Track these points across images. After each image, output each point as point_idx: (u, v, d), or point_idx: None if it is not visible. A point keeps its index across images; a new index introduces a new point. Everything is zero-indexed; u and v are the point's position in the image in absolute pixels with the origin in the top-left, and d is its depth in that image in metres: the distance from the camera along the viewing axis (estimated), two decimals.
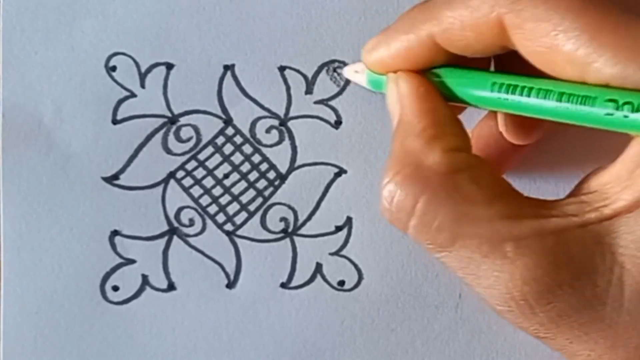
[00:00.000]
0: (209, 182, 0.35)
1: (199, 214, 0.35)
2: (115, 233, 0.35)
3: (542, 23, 0.22)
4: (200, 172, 0.35)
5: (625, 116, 0.22)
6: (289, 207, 0.35)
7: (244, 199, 0.35)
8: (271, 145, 0.35)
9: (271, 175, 0.35)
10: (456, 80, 0.26)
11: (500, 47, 0.25)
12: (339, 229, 0.35)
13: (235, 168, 0.35)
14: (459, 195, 0.24)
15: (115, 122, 0.35)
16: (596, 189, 0.24)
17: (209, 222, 0.35)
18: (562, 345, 0.24)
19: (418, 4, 0.27)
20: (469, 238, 0.24)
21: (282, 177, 0.35)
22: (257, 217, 0.35)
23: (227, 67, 0.35)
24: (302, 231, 0.35)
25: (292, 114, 0.35)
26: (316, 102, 0.35)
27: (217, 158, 0.35)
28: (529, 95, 0.24)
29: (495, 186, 0.25)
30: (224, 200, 0.35)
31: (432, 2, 0.26)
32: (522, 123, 0.29)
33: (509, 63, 0.26)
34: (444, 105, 0.26)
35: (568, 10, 0.22)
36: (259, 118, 0.35)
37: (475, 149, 0.28)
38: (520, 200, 0.25)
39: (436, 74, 0.27)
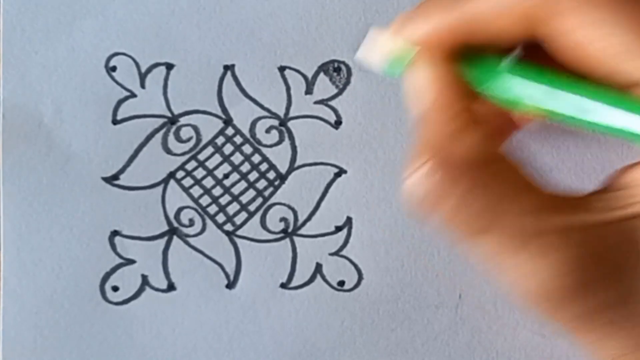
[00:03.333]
0: (209, 182, 0.35)
1: (199, 214, 0.35)
2: (115, 233, 0.35)
3: (574, 16, 0.22)
4: (200, 172, 0.35)
5: None
6: (289, 207, 0.35)
7: (244, 199, 0.35)
8: (271, 145, 0.35)
9: (271, 175, 0.35)
10: (488, 77, 0.25)
11: (529, 34, 0.24)
12: (339, 229, 0.35)
13: (235, 168, 0.35)
14: (498, 185, 0.24)
15: (115, 122, 0.35)
16: (625, 186, 0.23)
17: (208, 222, 0.35)
18: (589, 341, 0.23)
19: None
20: (502, 228, 0.23)
21: (282, 177, 0.35)
22: (257, 217, 0.35)
23: (227, 67, 0.35)
24: (302, 231, 0.35)
25: (292, 114, 0.35)
26: (316, 102, 0.35)
27: (217, 158, 0.35)
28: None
29: (526, 180, 0.24)
30: (224, 200, 0.35)
31: None
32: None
33: (533, 49, 0.25)
34: (476, 93, 0.26)
35: (607, 6, 0.22)
36: (259, 118, 0.35)
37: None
38: (550, 196, 0.24)
39: (471, 64, 0.26)
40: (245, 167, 0.35)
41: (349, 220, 0.35)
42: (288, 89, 0.35)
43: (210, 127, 0.35)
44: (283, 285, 0.35)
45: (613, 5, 0.22)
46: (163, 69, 0.35)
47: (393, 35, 0.27)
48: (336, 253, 0.35)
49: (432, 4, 0.26)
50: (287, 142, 0.35)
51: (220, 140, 0.35)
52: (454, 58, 0.26)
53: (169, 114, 0.35)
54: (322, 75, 0.35)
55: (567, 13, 0.22)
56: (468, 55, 0.26)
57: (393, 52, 0.27)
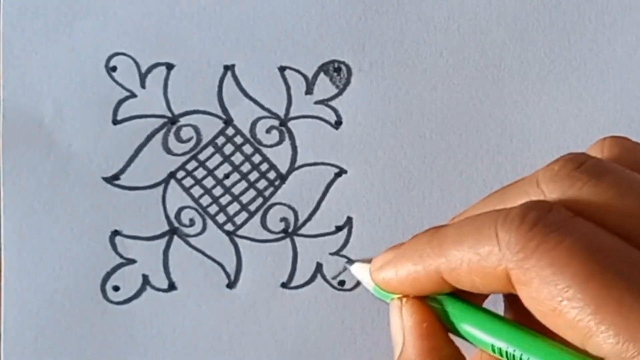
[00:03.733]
0: (209, 182, 0.35)
1: (200, 214, 0.35)
2: (115, 233, 0.35)
3: (548, 286, 0.22)
4: (200, 172, 0.35)
5: None
6: (289, 207, 0.35)
7: (245, 199, 0.35)
8: (271, 146, 0.35)
9: (271, 175, 0.35)
10: (460, 318, 0.26)
11: (507, 292, 0.25)
12: (339, 229, 0.35)
13: (236, 168, 0.35)
14: None
15: (115, 122, 0.35)
16: None
17: (209, 222, 0.35)
18: None
19: (428, 232, 0.26)
20: None
21: (283, 177, 0.35)
22: (257, 217, 0.35)
23: (227, 67, 0.35)
24: (303, 231, 0.35)
25: (292, 114, 0.35)
26: (316, 102, 0.35)
27: (218, 158, 0.35)
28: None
29: None
30: (224, 200, 0.35)
31: (441, 236, 0.25)
32: None
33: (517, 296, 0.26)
34: (446, 343, 0.26)
35: (574, 278, 0.22)
36: (259, 118, 0.35)
37: None
38: None
39: (442, 304, 0.27)
40: (246, 167, 0.35)
41: (349, 220, 0.35)
42: (288, 89, 0.35)
43: (210, 127, 0.35)
44: (284, 285, 0.35)
45: (579, 278, 0.22)
46: (163, 69, 0.35)
47: (371, 277, 0.28)
48: (336, 253, 0.35)
49: (402, 253, 0.27)
50: (287, 142, 0.35)
51: (220, 140, 0.35)
52: (430, 300, 0.27)
53: (169, 114, 0.35)
54: (322, 75, 0.35)
55: (537, 282, 0.22)
56: (447, 296, 0.27)
57: (376, 288, 0.29)
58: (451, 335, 0.27)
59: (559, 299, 0.22)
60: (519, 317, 0.26)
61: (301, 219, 0.35)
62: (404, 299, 0.27)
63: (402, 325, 0.27)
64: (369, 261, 0.29)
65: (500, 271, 0.23)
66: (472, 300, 0.27)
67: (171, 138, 0.35)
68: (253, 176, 0.35)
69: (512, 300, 0.27)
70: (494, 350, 0.25)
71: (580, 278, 0.22)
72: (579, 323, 0.21)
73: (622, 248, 0.22)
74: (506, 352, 0.25)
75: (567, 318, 0.22)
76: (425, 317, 0.27)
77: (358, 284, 0.35)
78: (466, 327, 0.26)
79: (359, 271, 0.31)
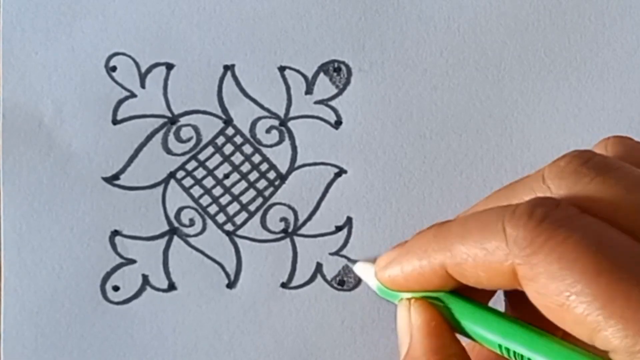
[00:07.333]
0: (209, 182, 0.35)
1: (199, 214, 0.35)
2: (115, 233, 0.35)
3: (556, 281, 0.22)
4: (200, 172, 0.35)
5: None
6: (289, 207, 0.35)
7: (244, 199, 0.35)
8: (271, 146, 0.35)
9: (271, 175, 0.35)
10: (466, 316, 0.26)
11: (512, 288, 0.25)
12: (339, 229, 0.35)
13: (236, 168, 0.35)
14: None
15: (115, 122, 0.35)
16: None
17: (209, 222, 0.35)
18: None
19: (433, 228, 0.26)
20: None
21: (282, 177, 0.35)
22: (257, 217, 0.35)
23: (227, 67, 0.35)
24: (303, 231, 0.35)
25: (292, 114, 0.35)
26: (316, 102, 0.35)
27: (217, 158, 0.35)
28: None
29: None
30: (224, 200, 0.35)
31: (446, 231, 0.25)
32: None
33: (520, 295, 0.26)
34: (453, 342, 0.26)
35: (582, 273, 0.22)
36: (259, 118, 0.35)
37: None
38: None
39: (447, 303, 0.27)
40: (246, 167, 0.35)
41: (349, 220, 0.35)
42: (288, 89, 0.35)
43: (210, 127, 0.35)
44: (283, 285, 0.35)
45: (587, 273, 0.22)
46: (163, 69, 0.35)
47: (376, 276, 0.28)
48: (336, 253, 0.35)
49: (407, 250, 0.27)
50: (287, 142, 0.35)
51: (220, 140, 0.35)
52: (436, 299, 0.27)
53: (169, 114, 0.35)
54: (322, 75, 0.35)
55: (544, 277, 0.22)
56: (452, 295, 0.27)
57: (380, 287, 0.28)
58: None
59: (567, 293, 0.22)
60: (519, 316, 0.26)
61: (301, 219, 0.35)
62: (413, 299, 0.27)
63: (410, 324, 0.27)
64: (371, 261, 0.29)
65: (507, 267, 0.23)
66: (477, 299, 0.27)
67: (171, 138, 0.35)
68: (253, 176, 0.35)
69: (514, 300, 0.27)
70: (501, 349, 0.25)
71: (588, 273, 0.22)
72: (588, 317, 0.22)
73: (630, 244, 0.22)
74: (514, 352, 0.25)
75: (575, 313, 0.22)
76: (433, 316, 0.27)
77: (358, 284, 0.35)
78: (472, 326, 0.26)
79: (362, 271, 0.31)
